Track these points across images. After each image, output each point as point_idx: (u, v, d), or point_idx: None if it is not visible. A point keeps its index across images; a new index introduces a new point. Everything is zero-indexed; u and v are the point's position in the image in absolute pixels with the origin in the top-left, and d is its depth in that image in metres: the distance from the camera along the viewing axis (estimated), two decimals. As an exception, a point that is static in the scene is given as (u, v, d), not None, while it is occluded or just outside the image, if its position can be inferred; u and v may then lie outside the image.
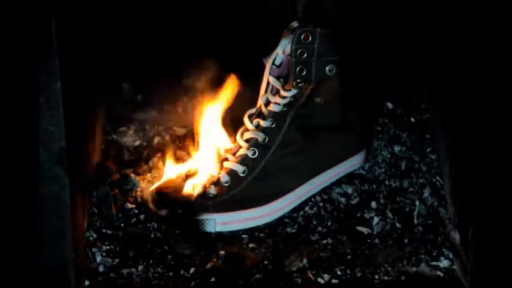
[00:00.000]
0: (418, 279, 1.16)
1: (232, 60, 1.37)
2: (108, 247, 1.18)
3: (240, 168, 1.23)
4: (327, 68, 1.24)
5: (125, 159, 1.35)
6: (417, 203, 1.26)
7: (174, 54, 1.37)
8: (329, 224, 1.24)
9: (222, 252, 1.19)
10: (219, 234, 1.21)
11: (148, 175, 1.31)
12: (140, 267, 1.16)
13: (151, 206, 1.23)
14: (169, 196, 1.23)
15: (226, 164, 1.24)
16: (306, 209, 1.26)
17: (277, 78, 1.25)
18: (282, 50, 1.23)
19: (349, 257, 1.19)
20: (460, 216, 1.16)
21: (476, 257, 1.08)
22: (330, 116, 1.26)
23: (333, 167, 1.28)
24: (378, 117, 1.40)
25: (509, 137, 1.02)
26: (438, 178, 1.29)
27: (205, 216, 1.21)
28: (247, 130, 1.26)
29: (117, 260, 1.17)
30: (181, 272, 1.16)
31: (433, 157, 1.33)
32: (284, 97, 1.24)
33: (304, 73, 1.24)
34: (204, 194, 1.22)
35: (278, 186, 1.24)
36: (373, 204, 1.26)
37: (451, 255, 1.18)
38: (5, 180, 1.01)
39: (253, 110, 1.27)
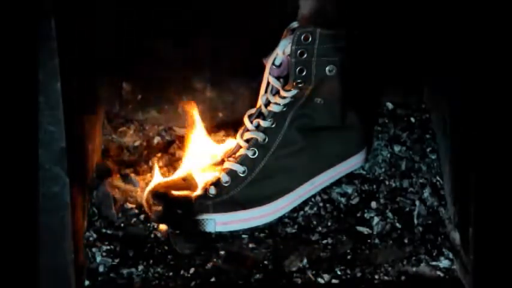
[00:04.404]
0: (418, 279, 1.16)
1: (233, 60, 1.37)
2: (108, 247, 1.18)
3: (240, 168, 1.23)
4: (327, 69, 1.24)
5: (124, 159, 1.35)
6: (417, 203, 1.25)
7: (173, 54, 1.37)
8: (329, 224, 1.24)
9: (222, 252, 1.19)
10: (219, 234, 1.21)
11: (148, 175, 1.31)
12: (140, 267, 1.16)
13: (146, 207, 1.23)
14: (166, 196, 1.23)
15: (226, 164, 1.24)
16: (306, 209, 1.26)
17: (277, 78, 1.25)
18: (282, 50, 1.23)
19: (349, 257, 1.19)
20: (460, 216, 1.16)
21: (476, 257, 1.08)
22: (330, 116, 1.26)
23: (333, 167, 1.28)
24: (378, 117, 1.40)
25: (509, 137, 1.02)
26: (438, 178, 1.29)
27: (205, 216, 1.21)
28: (247, 130, 1.25)
29: (117, 260, 1.17)
30: (181, 272, 1.16)
31: (433, 157, 1.33)
32: (284, 97, 1.24)
33: (304, 73, 1.24)
34: (204, 194, 1.22)
35: (278, 186, 1.24)
36: (373, 204, 1.26)
37: (451, 255, 1.18)
38: (6, 180, 1.01)
39: (253, 110, 1.27)
